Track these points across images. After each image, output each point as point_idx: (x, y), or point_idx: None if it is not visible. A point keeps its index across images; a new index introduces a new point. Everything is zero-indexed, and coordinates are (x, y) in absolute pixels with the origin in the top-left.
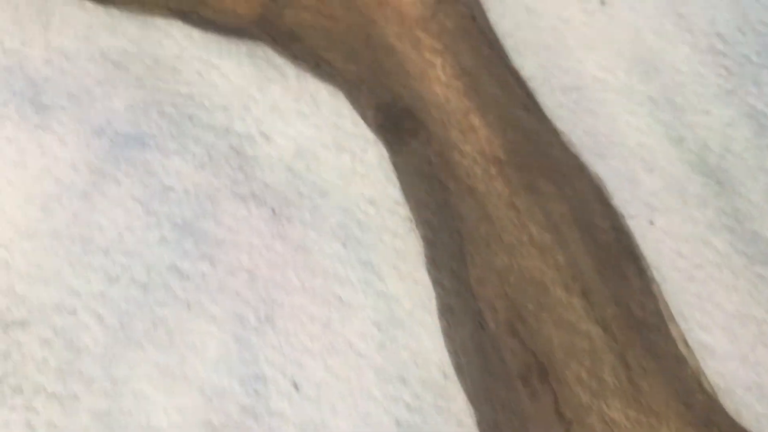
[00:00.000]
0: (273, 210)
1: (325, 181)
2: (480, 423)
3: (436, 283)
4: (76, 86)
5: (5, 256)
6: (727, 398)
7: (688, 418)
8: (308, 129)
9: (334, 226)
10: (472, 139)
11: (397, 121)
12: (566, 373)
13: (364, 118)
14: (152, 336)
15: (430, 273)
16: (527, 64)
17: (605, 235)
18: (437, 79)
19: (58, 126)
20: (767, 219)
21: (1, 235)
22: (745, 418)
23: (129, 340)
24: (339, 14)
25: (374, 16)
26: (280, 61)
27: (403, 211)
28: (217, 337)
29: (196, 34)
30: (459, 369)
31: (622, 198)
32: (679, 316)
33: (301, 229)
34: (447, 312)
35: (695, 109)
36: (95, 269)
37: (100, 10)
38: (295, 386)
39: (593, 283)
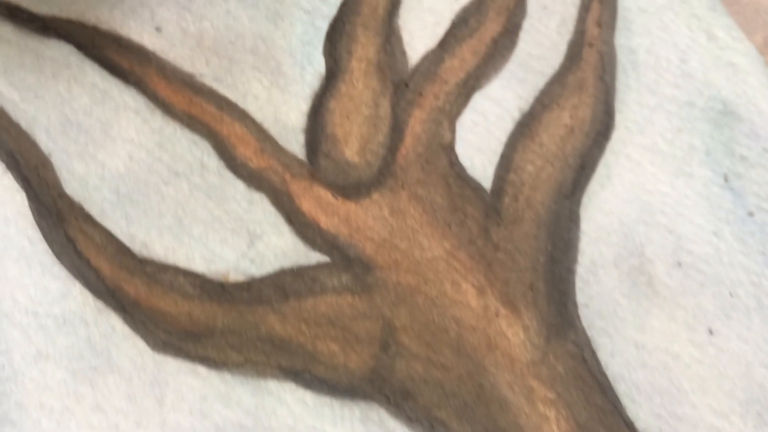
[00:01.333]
0: None
1: None
2: None
3: None
4: None
5: None
6: None
7: None
8: None
9: None
10: None
11: None
12: None
13: None
14: None
15: None
16: (641, 414)
17: None
18: None
19: None
20: None
21: None
22: None
23: None
24: (449, 362)
25: (485, 362)
26: (394, 424)
27: None
28: None
29: (309, 397)
30: None
31: None
32: None
33: None
34: None
35: None
36: None
37: (213, 376)
38: None
39: None
